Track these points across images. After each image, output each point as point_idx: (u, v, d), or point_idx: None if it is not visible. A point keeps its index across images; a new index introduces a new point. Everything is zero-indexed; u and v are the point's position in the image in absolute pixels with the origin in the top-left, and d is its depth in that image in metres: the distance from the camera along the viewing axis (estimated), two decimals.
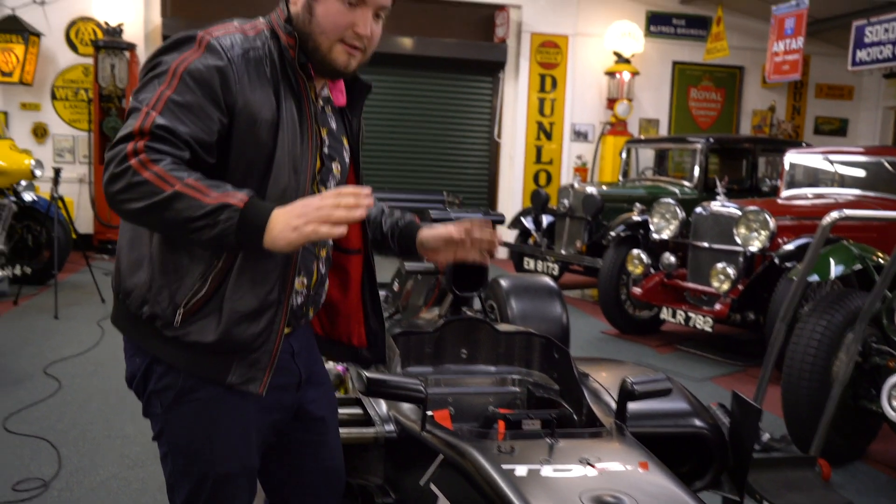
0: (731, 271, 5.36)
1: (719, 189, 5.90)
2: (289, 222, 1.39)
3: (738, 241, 5.45)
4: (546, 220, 8.30)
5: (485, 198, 10.97)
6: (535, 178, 10.95)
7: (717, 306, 5.44)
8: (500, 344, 2.65)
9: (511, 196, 10.91)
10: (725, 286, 5.38)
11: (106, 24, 9.14)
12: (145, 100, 1.46)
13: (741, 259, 5.48)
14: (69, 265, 7.65)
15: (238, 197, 1.40)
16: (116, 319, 1.67)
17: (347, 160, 1.79)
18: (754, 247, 5.37)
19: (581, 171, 10.97)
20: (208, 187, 1.40)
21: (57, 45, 9.42)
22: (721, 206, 5.73)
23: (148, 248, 1.56)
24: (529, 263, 8.04)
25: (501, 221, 2.75)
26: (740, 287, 5.39)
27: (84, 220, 9.25)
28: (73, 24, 9.44)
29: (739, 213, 5.50)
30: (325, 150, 1.69)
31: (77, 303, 6.55)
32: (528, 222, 8.42)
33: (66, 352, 5.09)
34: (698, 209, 5.93)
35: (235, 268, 1.53)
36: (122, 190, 1.40)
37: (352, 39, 1.60)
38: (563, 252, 7.83)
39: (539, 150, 10.94)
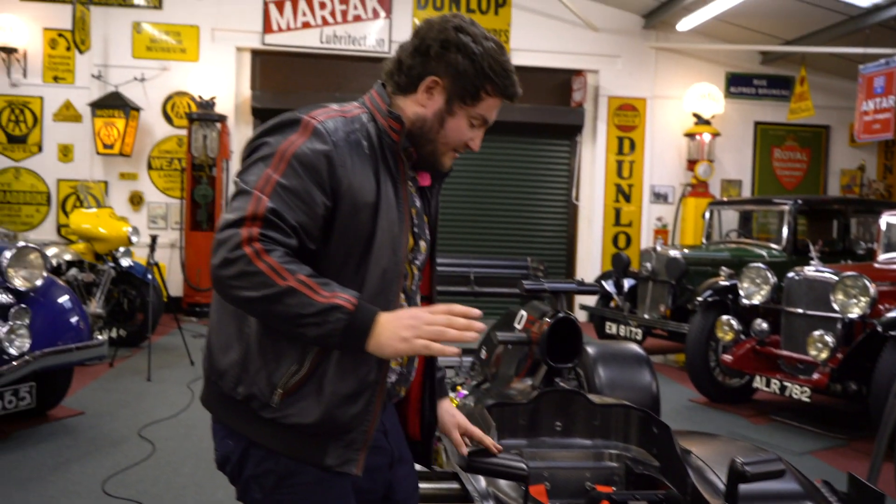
0: (829, 339, 5.12)
1: (813, 253, 5.70)
2: (397, 332, 1.42)
3: (836, 307, 5.22)
4: (628, 283, 8.16)
5: (563, 261, 10.90)
6: (615, 241, 10.83)
7: (816, 375, 5.19)
8: (596, 417, 2.58)
9: (589, 258, 10.81)
10: (824, 355, 5.14)
11: (200, 97, 9.63)
12: (253, 182, 1.49)
13: (839, 326, 5.24)
14: (160, 327, 7.91)
15: (347, 298, 1.42)
16: (208, 401, 1.67)
17: (430, 238, 1.82)
18: (854, 314, 5.14)
19: (661, 232, 10.81)
20: (319, 285, 1.43)
21: (154, 118, 9.97)
22: (815, 270, 5.52)
23: (239, 327, 1.58)
24: (611, 328, 7.88)
25: (596, 292, 2.72)
26: (839, 356, 5.14)
27: (174, 284, 9.60)
28: (169, 98, 10.00)
29: (836, 278, 5.28)
30: (415, 228, 1.73)
31: (168, 365, 6.75)
32: (609, 286, 8.29)
33: (159, 414, 5.23)
34: (791, 274, 5.73)
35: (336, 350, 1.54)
36: (234, 276, 1.43)
37: (461, 149, 1.71)
38: (646, 316, 7.66)
39: (618, 213, 10.84)
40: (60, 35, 9.74)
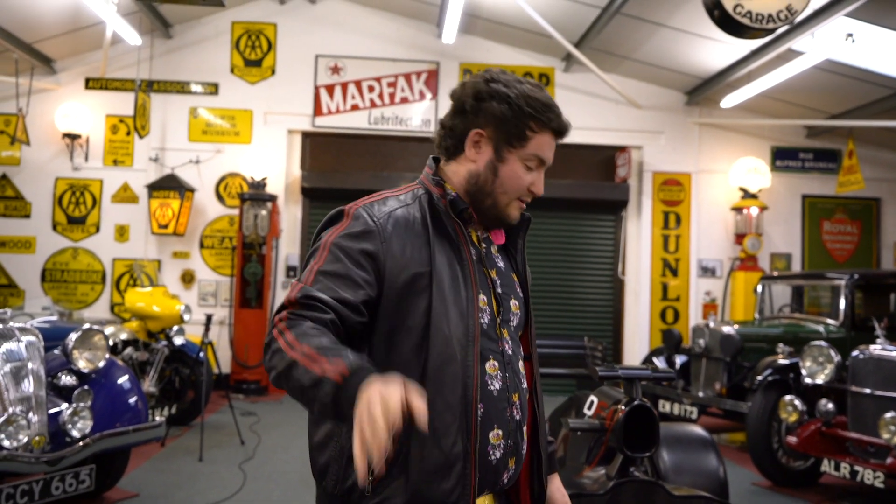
0: None
1: (878, 331, 5.54)
2: (361, 400, 1.29)
3: None
4: (679, 360, 8.00)
5: (610, 336, 10.75)
6: (662, 316, 10.68)
7: (890, 460, 4.97)
8: None
9: (637, 334, 10.66)
10: None
11: (252, 178, 9.90)
12: (300, 277, 1.58)
13: None
14: (209, 405, 7.94)
15: (339, 370, 1.35)
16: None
17: (522, 295, 1.79)
18: None
19: (710, 307, 10.63)
20: (322, 355, 1.38)
21: (207, 198, 10.26)
22: (882, 349, 5.35)
23: (328, 421, 1.60)
24: (665, 406, 7.68)
25: (672, 378, 2.66)
26: None
27: (222, 361, 9.67)
28: (222, 179, 10.30)
29: None
30: (499, 289, 1.71)
31: (218, 445, 6.74)
32: (660, 363, 8.13)
33: (213, 496, 5.19)
34: (856, 353, 5.56)
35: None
36: (267, 359, 1.48)
37: (526, 196, 1.71)
38: (700, 394, 7.46)
39: (665, 287, 10.73)
40: (121, 121, 10.18)
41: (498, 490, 1.69)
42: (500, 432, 1.63)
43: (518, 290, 1.78)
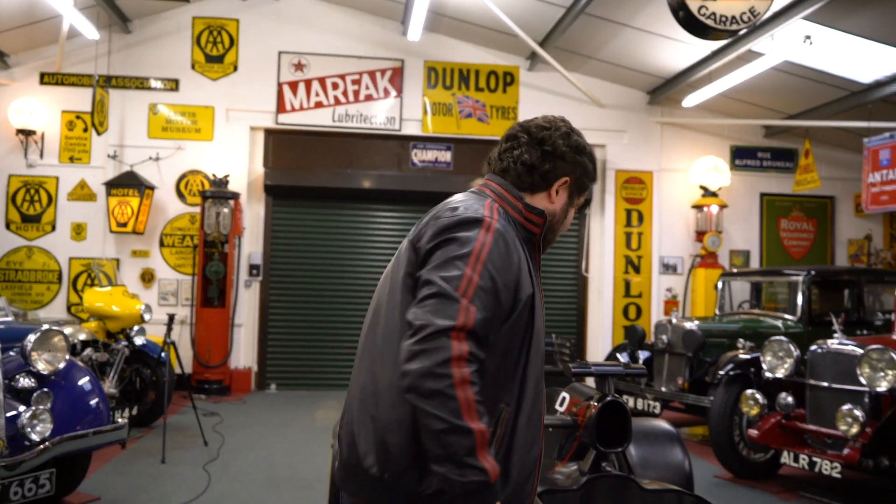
0: (858, 413, 5.05)
1: (836, 326, 5.68)
2: None
3: (863, 381, 5.17)
4: (643, 356, 8.11)
5: (574, 333, 10.85)
6: (625, 312, 10.81)
7: (847, 451, 5.10)
8: (647, 503, 2.53)
9: (600, 330, 10.77)
10: (854, 429, 5.06)
11: (213, 175, 9.76)
12: (455, 283, 1.56)
13: (867, 400, 5.18)
14: (171, 406, 7.81)
15: (496, 472, 1.50)
16: (381, 499, 1.65)
17: None
18: (882, 387, 5.09)
19: (672, 303, 10.80)
20: (489, 449, 1.51)
21: (168, 196, 10.08)
22: (839, 343, 5.49)
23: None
24: (628, 401, 7.78)
25: (644, 375, 2.69)
26: (869, 430, 5.06)
27: (184, 360, 9.50)
28: (183, 176, 10.13)
29: (861, 351, 5.25)
30: None
31: (181, 446, 6.63)
32: (623, 358, 8.24)
33: (177, 499, 5.11)
34: (814, 347, 5.69)
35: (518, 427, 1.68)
36: (430, 393, 1.48)
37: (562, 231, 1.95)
38: (663, 389, 7.57)
39: (628, 284, 10.86)
40: (78, 117, 9.95)
41: None
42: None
43: None
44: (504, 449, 1.63)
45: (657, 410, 7.35)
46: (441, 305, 1.53)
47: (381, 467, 1.62)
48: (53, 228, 9.95)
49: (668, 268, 10.99)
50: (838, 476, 5.16)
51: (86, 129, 9.95)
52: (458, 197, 1.81)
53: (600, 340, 10.71)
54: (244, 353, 10.07)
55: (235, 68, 10.27)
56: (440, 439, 1.48)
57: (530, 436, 1.70)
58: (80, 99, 9.84)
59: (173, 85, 10.17)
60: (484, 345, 1.55)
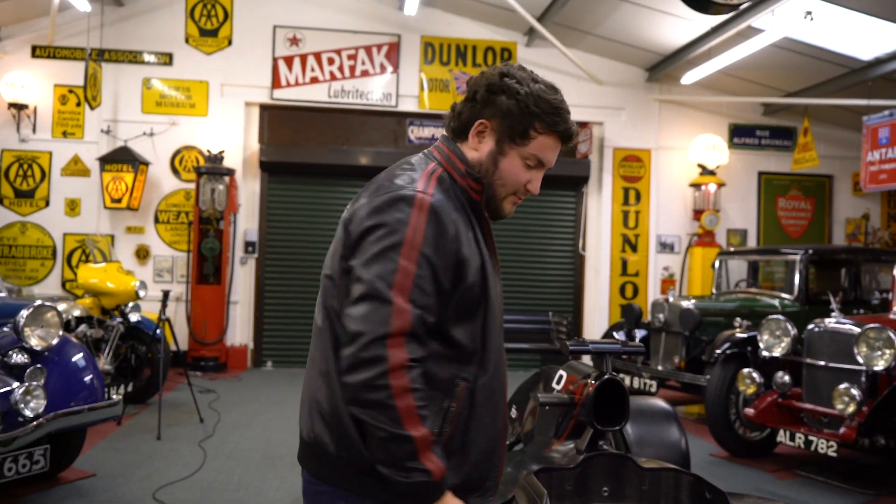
0: (855, 392, 5.05)
1: (833, 305, 5.66)
2: None
3: (860, 359, 5.16)
4: (639, 334, 8.10)
5: (571, 311, 10.84)
6: (622, 291, 10.79)
7: (843, 430, 5.10)
8: (645, 481, 2.51)
9: (597, 309, 10.76)
10: (851, 408, 5.06)
11: (208, 151, 9.67)
12: (387, 279, 1.50)
13: (863, 379, 5.17)
14: (167, 383, 7.79)
15: (440, 467, 1.50)
16: (336, 473, 1.63)
17: None
18: (879, 366, 5.08)
19: (668, 282, 10.79)
20: (432, 443, 1.50)
21: (162, 172, 10.00)
22: (836, 322, 5.47)
23: None
24: (624, 380, 7.78)
25: (642, 353, 2.66)
26: (865, 409, 5.06)
27: (179, 337, 9.49)
28: (178, 152, 10.04)
29: (858, 330, 5.23)
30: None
31: (177, 423, 6.62)
32: (620, 337, 8.22)
33: (173, 475, 5.10)
34: (811, 326, 5.68)
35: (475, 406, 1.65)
36: (369, 403, 1.47)
37: (521, 194, 1.76)
38: (659, 368, 7.57)
39: (625, 263, 10.83)
40: (71, 91, 9.83)
41: None
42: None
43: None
44: (462, 424, 1.60)
45: (654, 389, 7.36)
46: (374, 309, 1.48)
47: (338, 445, 1.61)
48: (47, 204, 9.87)
49: (666, 246, 10.96)
50: (834, 455, 5.17)
51: (79, 104, 9.83)
52: (406, 162, 1.72)
53: (597, 319, 10.70)
54: (240, 330, 10.04)
55: (230, 42, 10.14)
56: (383, 446, 1.48)
57: (492, 408, 1.66)
58: (73, 73, 9.72)
59: (167, 59, 10.04)
60: (424, 343, 1.52)
